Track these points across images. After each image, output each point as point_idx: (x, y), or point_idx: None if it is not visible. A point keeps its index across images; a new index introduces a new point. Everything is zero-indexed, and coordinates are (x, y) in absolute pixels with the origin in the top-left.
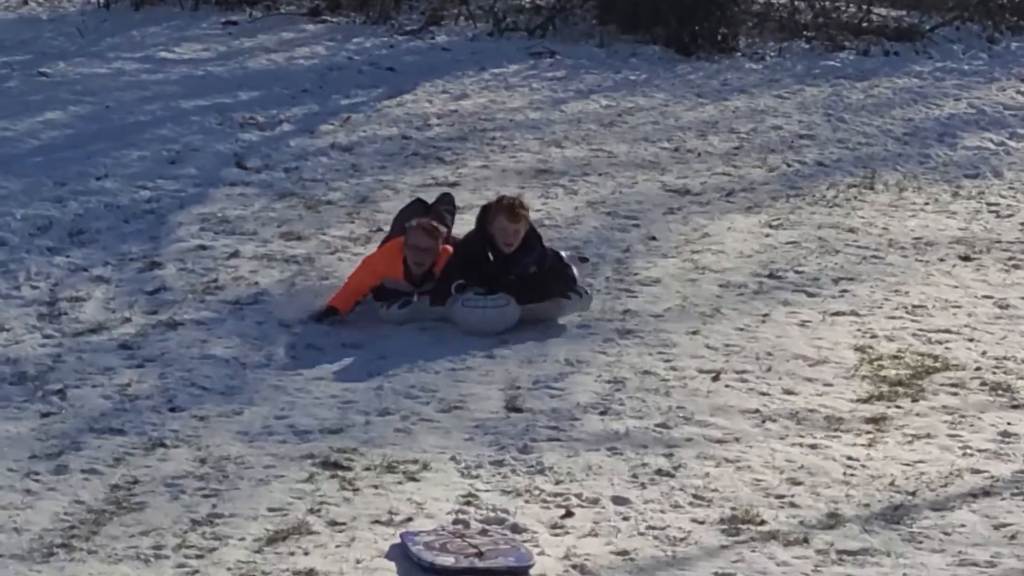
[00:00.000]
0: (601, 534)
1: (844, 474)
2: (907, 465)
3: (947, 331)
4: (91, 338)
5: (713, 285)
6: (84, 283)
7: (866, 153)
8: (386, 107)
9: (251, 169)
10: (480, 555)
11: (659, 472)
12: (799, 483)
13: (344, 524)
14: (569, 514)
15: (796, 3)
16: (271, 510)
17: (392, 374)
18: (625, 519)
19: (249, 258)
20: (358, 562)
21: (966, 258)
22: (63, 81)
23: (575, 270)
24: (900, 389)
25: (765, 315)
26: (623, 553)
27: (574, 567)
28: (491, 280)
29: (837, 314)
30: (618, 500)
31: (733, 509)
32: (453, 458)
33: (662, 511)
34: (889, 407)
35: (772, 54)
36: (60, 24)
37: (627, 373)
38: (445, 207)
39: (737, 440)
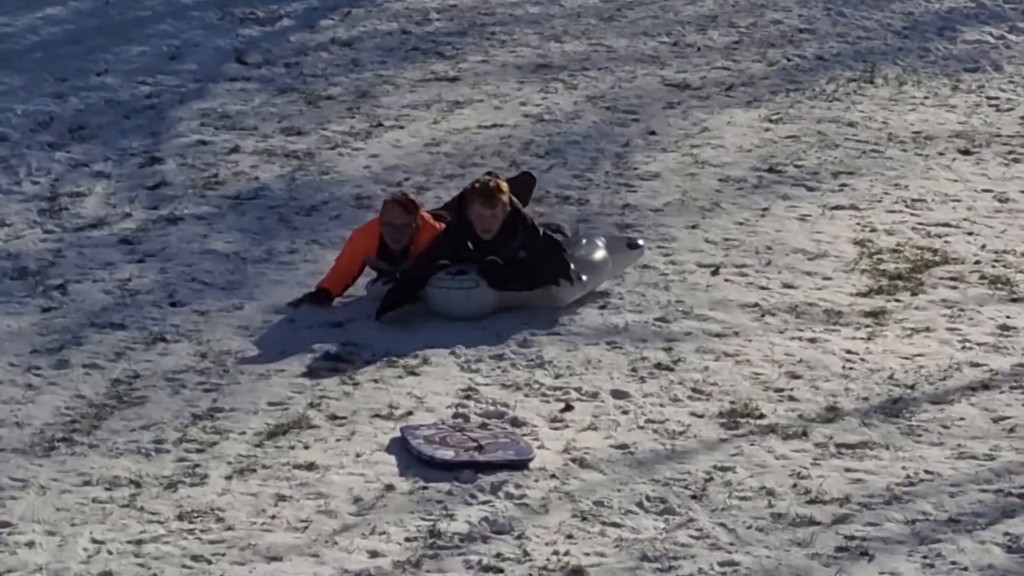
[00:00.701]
0: (600, 428)
1: (843, 368)
2: (906, 359)
3: (946, 225)
4: (92, 233)
5: (712, 179)
6: (85, 178)
7: (866, 47)
8: (386, 2)
9: (251, 64)
10: (480, 448)
11: (658, 366)
12: (798, 377)
13: (344, 418)
14: (568, 408)
15: None
16: (271, 404)
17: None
18: (624, 413)
19: (249, 153)
20: (358, 456)
21: (966, 152)
22: None
23: (599, 252)
24: (899, 283)
25: (764, 209)
26: (622, 447)
27: (573, 460)
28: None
29: (837, 208)
30: (617, 394)
31: (732, 403)
32: (453, 352)
33: (661, 405)
34: (888, 301)
35: None
36: None
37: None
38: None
39: (736, 334)
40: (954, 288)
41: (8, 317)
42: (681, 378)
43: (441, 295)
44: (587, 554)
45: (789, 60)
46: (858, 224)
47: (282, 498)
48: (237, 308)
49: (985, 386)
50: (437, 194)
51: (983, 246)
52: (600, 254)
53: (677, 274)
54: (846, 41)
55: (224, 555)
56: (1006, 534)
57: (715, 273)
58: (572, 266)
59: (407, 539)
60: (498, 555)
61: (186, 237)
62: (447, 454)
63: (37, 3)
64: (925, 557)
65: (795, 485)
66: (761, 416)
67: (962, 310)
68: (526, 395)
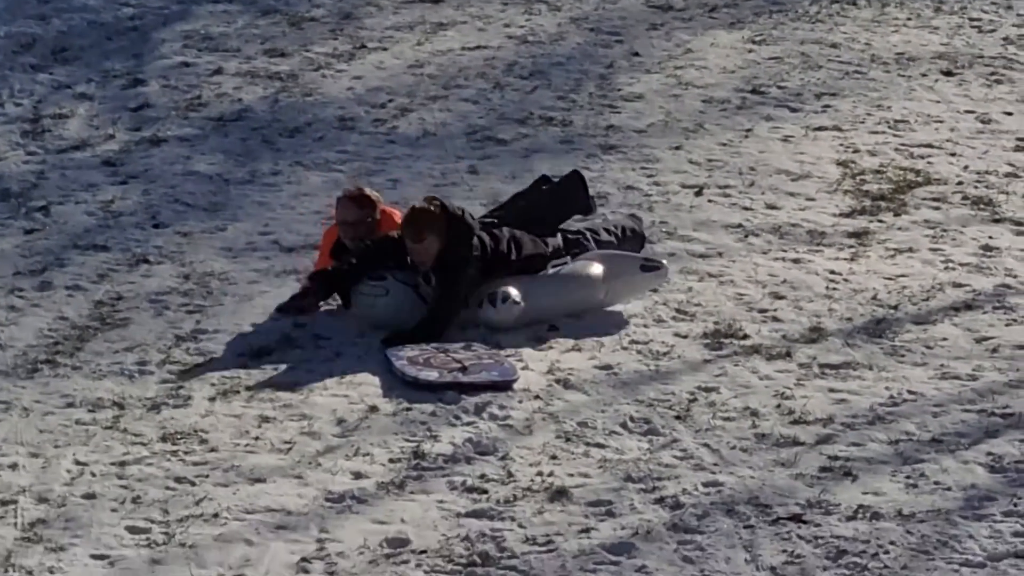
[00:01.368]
0: (584, 349)
1: (827, 288)
2: (889, 279)
3: (929, 146)
4: (74, 155)
5: (696, 101)
6: (67, 100)
7: None
8: None
9: None
10: (464, 370)
11: None
12: (782, 297)
13: (328, 339)
14: (553, 328)
15: None
16: (255, 325)
17: (376, 190)
18: (608, 334)
19: (232, 75)
20: (342, 375)
21: (948, 73)
22: None
23: (592, 269)
24: (882, 203)
25: (748, 130)
26: (606, 367)
27: (557, 381)
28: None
29: (820, 129)
30: (602, 315)
31: (716, 323)
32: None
33: (645, 326)
34: (871, 221)
35: None
36: None
37: (610, 188)
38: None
39: (720, 255)
40: (937, 209)
41: None
42: (665, 299)
43: (353, 296)
44: (571, 475)
45: None
46: (841, 145)
47: (265, 419)
48: (220, 230)
49: (968, 306)
50: (421, 116)
51: (966, 167)
52: (593, 270)
53: (661, 195)
54: None
55: (207, 476)
56: (989, 454)
57: (698, 194)
58: (505, 289)
59: (391, 460)
60: (482, 476)
61: (169, 159)
62: (431, 375)
63: None
64: (908, 477)
65: (779, 406)
66: (745, 337)
67: (945, 231)
68: None
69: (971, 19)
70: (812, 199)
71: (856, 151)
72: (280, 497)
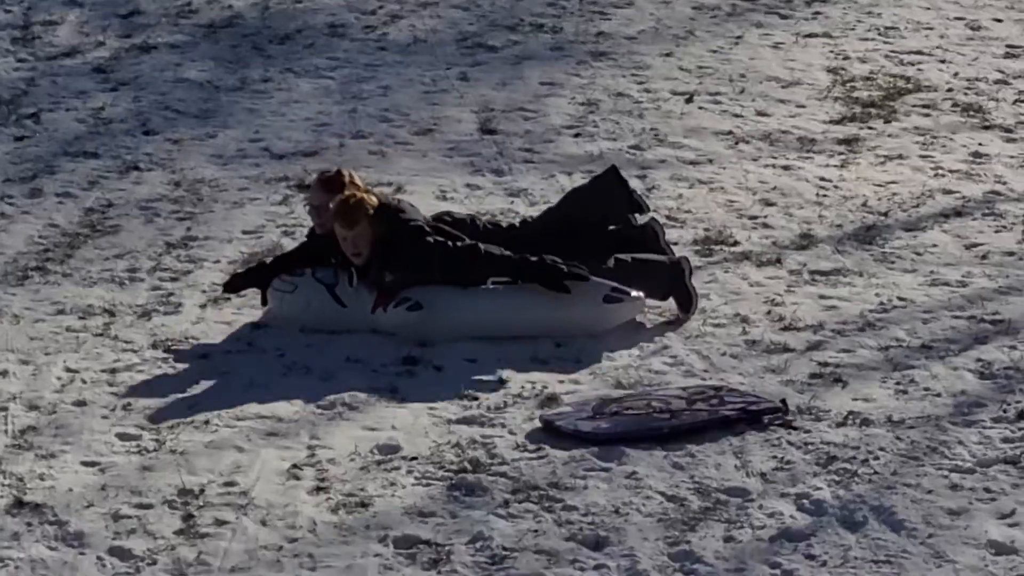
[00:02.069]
0: None
1: (817, 195)
2: (879, 186)
3: (919, 52)
4: (65, 62)
5: (686, 7)
6: (57, 6)
7: None
8: None
9: None
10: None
11: None
12: (772, 204)
13: None
14: None
15: None
16: (245, 232)
17: (366, 97)
18: None
19: None
20: None
21: None
22: None
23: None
24: (872, 110)
25: (738, 37)
26: None
27: None
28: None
29: (810, 36)
30: None
31: (707, 230)
32: (428, 180)
33: None
34: (861, 128)
35: None
36: None
37: (601, 95)
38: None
39: (710, 161)
40: (927, 116)
41: None
42: (655, 205)
43: (268, 293)
44: (561, 382)
45: None
46: (831, 52)
47: (256, 326)
48: (211, 137)
49: (957, 213)
50: (411, 23)
51: (955, 74)
52: (536, 295)
53: (651, 102)
54: None
55: (198, 383)
56: (978, 360)
57: (689, 101)
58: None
59: (382, 365)
60: (472, 382)
61: (159, 66)
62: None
63: None
64: (898, 383)
65: (769, 312)
66: (735, 243)
67: (935, 137)
68: None
69: None
70: (802, 106)
71: (846, 58)
72: (271, 404)
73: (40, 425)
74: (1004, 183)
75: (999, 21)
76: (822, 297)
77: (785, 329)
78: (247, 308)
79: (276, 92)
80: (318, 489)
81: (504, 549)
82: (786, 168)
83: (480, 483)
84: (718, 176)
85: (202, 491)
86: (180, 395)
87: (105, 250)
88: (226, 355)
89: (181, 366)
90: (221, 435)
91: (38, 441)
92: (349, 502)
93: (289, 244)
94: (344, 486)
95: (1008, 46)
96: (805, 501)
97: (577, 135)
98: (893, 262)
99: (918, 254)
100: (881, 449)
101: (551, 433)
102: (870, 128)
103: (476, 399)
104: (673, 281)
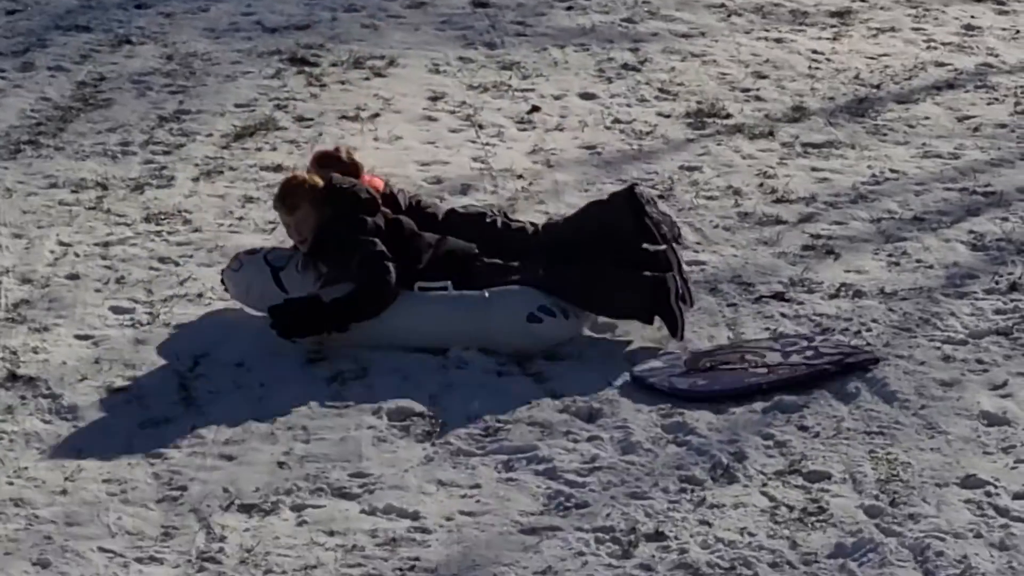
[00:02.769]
0: (568, 128)
1: (809, 68)
2: (871, 58)
3: None
4: None
5: None
6: None
7: None
8: None
9: None
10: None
11: (625, 67)
12: (764, 77)
13: (311, 120)
14: (535, 109)
15: None
16: (238, 106)
17: None
18: (591, 113)
19: None
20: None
21: None
22: None
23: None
24: None
25: None
26: (590, 147)
27: (541, 161)
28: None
29: None
30: (584, 95)
31: (699, 103)
32: (421, 53)
33: (628, 105)
34: (854, 1)
35: None
36: None
37: None
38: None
39: (703, 34)
40: None
41: None
42: (648, 78)
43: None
44: None
45: None
46: None
47: (249, 199)
48: (203, 10)
49: (950, 85)
50: None
51: None
52: (448, 307)
53: None
54: None
55: (191, 256)
56: (970, 232)
57: None
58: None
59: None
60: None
61: None
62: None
63: None
64: (890, 255)
65: (761, 184)
66: (727, 116)
67: (927, 10)
68: (493, 96)
69: None
70: None
71: None
72: None
73: (33, 299)
74: (996, 55)
75: None
76: (814, 169)
77: (777, 201)
78: (239, 182)
79: None
80: (311, 361)
81: (498, 421)
82: (778, 41)
83: (474, 356)
84: (710, 49)
85: (196, 364)
86: (173, 268)
87: (97, 124)
88: (219, 228)
89: (174, 239)
90: (214, 308)
91: (31, 315)
92: (345, 373)
93: (281, 117)
94: (343, 361)
95: None
96: None
97: (569, 8)
98: (885, 134)
99: (910, 126)
100: (874, 320)
101: (645, 391)
102: (862, 1)
103: None
104: (656, 300)
